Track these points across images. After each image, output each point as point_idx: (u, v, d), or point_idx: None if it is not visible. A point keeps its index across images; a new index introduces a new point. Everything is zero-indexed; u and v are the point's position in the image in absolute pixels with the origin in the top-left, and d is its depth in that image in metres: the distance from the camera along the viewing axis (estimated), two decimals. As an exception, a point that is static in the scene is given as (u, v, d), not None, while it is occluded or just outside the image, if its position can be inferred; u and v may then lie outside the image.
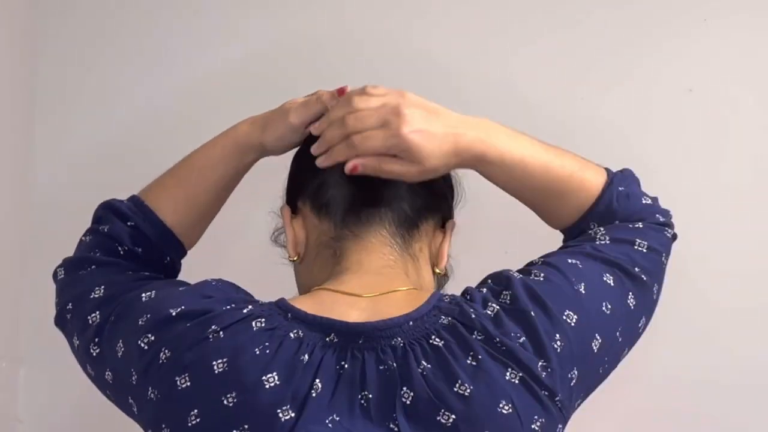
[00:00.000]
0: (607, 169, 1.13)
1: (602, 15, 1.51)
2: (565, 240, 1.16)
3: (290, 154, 1.13)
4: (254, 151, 1.13)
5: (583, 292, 0.99)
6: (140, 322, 0.98)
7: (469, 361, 0.92)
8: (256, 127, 1.12)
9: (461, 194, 1.13)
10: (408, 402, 0.91)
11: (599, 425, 1.39)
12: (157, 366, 0.95)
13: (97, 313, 1.03)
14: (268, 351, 0.92)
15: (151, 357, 0.95)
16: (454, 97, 1.12)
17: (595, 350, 0.98)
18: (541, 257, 1.06)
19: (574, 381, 0.96)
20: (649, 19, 1.50)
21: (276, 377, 0.91)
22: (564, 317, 0.96)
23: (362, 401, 0.92)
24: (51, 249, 1.52)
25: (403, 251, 1.04)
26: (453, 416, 0.90)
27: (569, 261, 1.02)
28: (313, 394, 0.91)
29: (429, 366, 0.92)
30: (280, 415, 0.90)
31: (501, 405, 0.91)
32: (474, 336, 0.94)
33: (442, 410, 0.91)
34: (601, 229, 1.08)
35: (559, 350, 0.95)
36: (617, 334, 1.01)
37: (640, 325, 1.05)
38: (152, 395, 0.95)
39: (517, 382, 0.92)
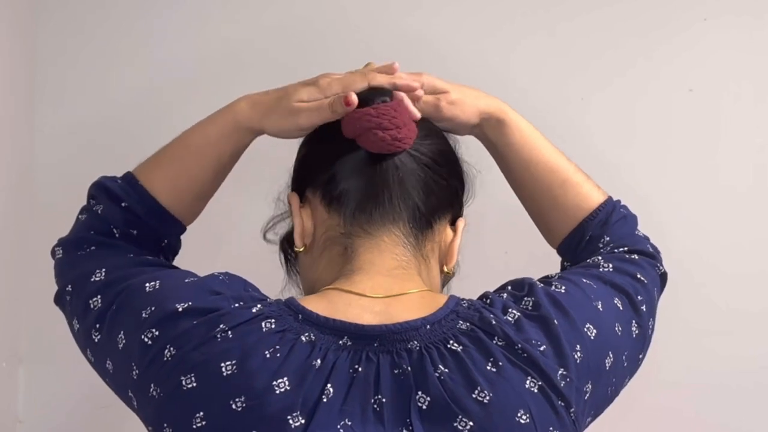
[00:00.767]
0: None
1: (602, 15, 1.51)
2: (563, 255, 1.17)
3: (292, 143, 1.11)
4: (253, 134, 1.10)
5: (601, 309, 0.99)
6: (143, 315, 0.95)
7: (489, 367, 0.91)
8: (258, 111, 1.08)
9: (472, 191, 1.12)
10: (424, 407, 0.89)
11: (599, 425, 1.39)
12: (161, 363, 0.92)
13: (99, 297, 1.01)
14: (278, 355, 0.90)
15: (154, 353, 0.93)
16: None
17: (607, 368, 0.98)
18: (557, 274, 1.06)
19: (587, 395, 0.95)
20: (649, 19, 1.50)
21: (287, 382, 0.88)
22: (585, 329, 0.96)
23: (375, 405, 0.90)
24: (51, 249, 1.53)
25: (416, 251, 1.02)
26: (471, 423, 0.88)
27: (584, 280, 1.02)
28: (325, 400, 0.88)
29: (446, 371, 0.90)
30: (290, 421, 0.88)
31: (519, 414, 0.90)
32: (494, 342, 0.92)
33: (460, 416, 0.89)
34: (600, 258, 1.08)
35: (578, 361, 0.94)
36: (624, 357, 1.01)
37: (640, 356, 1.05)
38: (154, 393, 0.92)
39: (536, 390, 0.91)
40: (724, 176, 1.50)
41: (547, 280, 1.03)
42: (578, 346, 0.95)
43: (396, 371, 0.91)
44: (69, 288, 1.05)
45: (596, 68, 1.51)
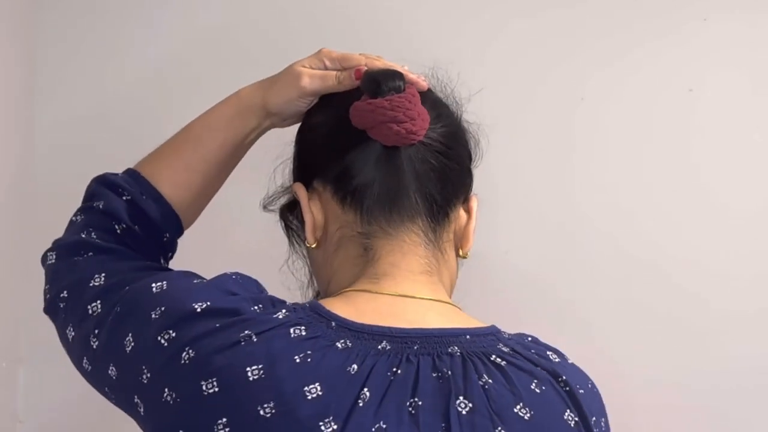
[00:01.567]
0: None
1: (602, 15, 1.51)
2: None
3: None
4: (256, 115, 1.07)
5: None
6: (153, 316, 0.90)
7: (533, 387, 0.89)
8: (261, 87, 1.07)
9: (479, 153, 1.07)
10: (464, 412, 0.86)
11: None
12: (178, 365, 0.87)
13: (99, 302, 0.96)
14: (310, 360, 0.85)
15: (170, 354, 0.87)
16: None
17: None
18: None
19: None
20: (649, 19, 1.50)
21: (319, 388, 0.84)
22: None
23: (410, 408, 0.86)
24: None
25: (436, 249, 0.99)
26: None
27: None
28: (360, 404, 0.85)
29: (491, 381, 0.88)
30: (322, 427, 0.83)
31: None
32: (537, 368, 0.91)
33: (500, 428, 0.86)
34: None
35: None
36: None
37: None
38: (168, 397, 0.86)
39: (572, 425, 0.90)
40: (724, 176, 1.49)
41: None
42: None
43: (436, 374, 0.88)
44: (64, 294, 1.00)
45: (596, 68, 1.50)
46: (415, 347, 0.89)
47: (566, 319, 1.47)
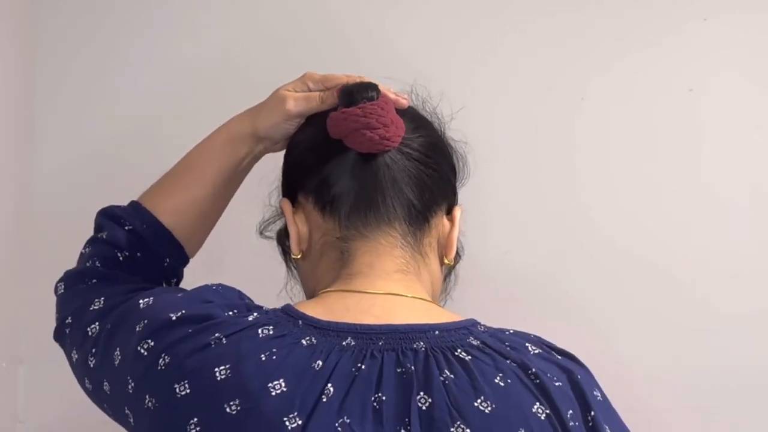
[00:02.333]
0: None
1: (602, 14, 1.51)
2: None
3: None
4: (247, 142, 1.11)
5: None
6: (137, 329, 0.94)
7: (497, 381, 0.89)
8: (249, 114, 1.11)
9: (466, 171, 1.10)
10: (424, 408, 0.87)
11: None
12: (156, 372, 0.90)
13: (96, 324, 1.01)
14: (275, 357, 0.88)
15: (149, 362, 0.91)
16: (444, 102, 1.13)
17: None
18: None
19: None
20: (649, 19, 1.50)
21: (283, 384, 0.87)
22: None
23: (375, 404, 0.88)
24: (51, 249, 1.53)
25: (414, 251, 1.01)
26: (468, 431, 0.86)
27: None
28: (324, 399, 0.87)
29: (452, 376, 0.89)
30: (287, 422, 0.85)
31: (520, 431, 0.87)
32: (507, 362, 0.91)
33: (458, 422, 0.86)
34: None
35: (591, 423, 0.91)
36: None
37: None
38: (149, 404, 0.90)
39: (543, 417, 0.88)
40: (724, 176, 1.49)
41: None
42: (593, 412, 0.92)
43: (399, 370, 0.89)
44: (69, 320, 1.05)
45: (596, 68, 1.50)
46: (380, 343, 0.91)
47: (566, 319, 1.47)
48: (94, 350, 0.99)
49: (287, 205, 1.05)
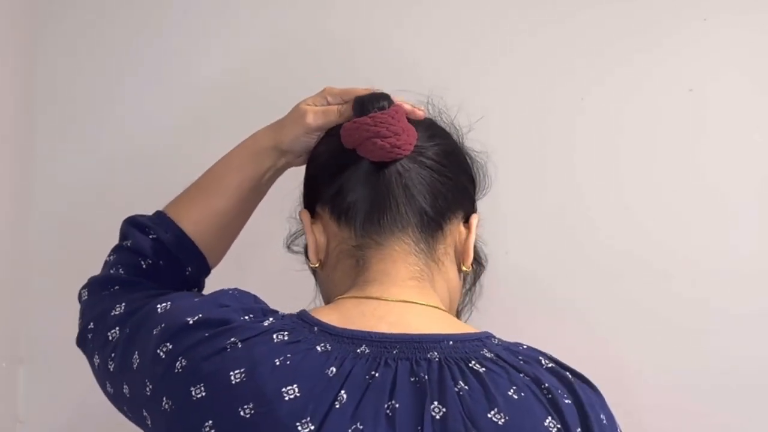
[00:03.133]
0: None
1: (601, 14, 1.51)
2: None
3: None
4: (269, 155, 1.13)
5: None
6: (155, 332, 0.96)
7: (511, 393, 0.89)
8: (272, 128, 1.14)
9: (486, 181, 1.12)
10: (438, 417, 0.88)
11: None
12: (173, 375, 0.92)
13: (117, 329, 1.03)
14: (289, 363, 0.89)
15: (167, 365, 0.93)
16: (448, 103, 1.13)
17: None
18: None
19: None
20: (649, 19, 1.50)
21: (296, 389, 0.88)
22: None
23: (388, 411, 0.88)
24: (51, 249, 1.53)
25: (428, 259, 1.02)
26: None
27: None
28: (337, 406, 0.87)
29: (467, 388, 0.89)
30: (300, 428, 0.86)
31: None
32: (521, 375, 0.91)
33: None
34: None
35: None
36: None
37: None
38: (166, 406, 0.92)
39: (554, 431, 0.88)
40: (724, 176, 1.49)
41: None
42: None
43: (413, 379, 0.90)
44: (91, 326, 1.07)
45: (596, 68, 1.50)
46: (395, 352, 0.92)
47: (567, 319, 1.47)
48: (113, 354, 1.01)
49: (306, 216, 1.07)
